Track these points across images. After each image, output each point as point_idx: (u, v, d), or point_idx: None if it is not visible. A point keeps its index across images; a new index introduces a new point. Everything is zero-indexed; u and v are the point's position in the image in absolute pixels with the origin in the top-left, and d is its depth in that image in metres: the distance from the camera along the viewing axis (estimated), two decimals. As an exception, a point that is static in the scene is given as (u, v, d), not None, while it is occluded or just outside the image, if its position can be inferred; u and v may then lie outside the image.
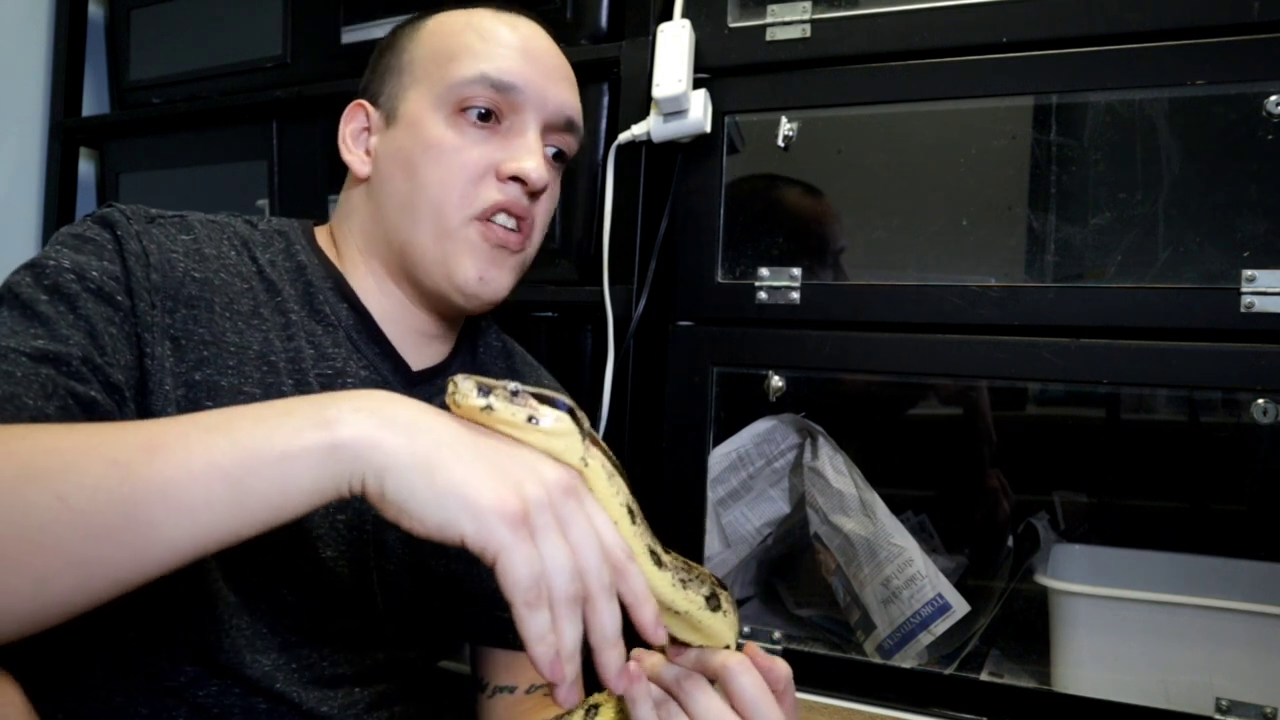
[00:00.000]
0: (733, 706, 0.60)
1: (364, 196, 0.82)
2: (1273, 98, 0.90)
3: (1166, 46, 0.93)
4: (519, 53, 0.80)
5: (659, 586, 0.60)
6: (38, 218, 1.73)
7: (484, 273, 0.78)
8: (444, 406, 0.81)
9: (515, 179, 0.78)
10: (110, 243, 0.69)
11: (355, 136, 0.84)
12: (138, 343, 0.68)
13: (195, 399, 0.69)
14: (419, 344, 0.83)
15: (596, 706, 0.68)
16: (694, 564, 0.64)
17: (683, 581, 0.61)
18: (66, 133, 1.71)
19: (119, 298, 0.67)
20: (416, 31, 0.83)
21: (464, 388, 0.54)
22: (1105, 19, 0.95)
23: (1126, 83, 0.96)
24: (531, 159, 0.78)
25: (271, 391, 0.73)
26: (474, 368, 0.89)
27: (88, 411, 0.62)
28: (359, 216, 0.83)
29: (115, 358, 0.66)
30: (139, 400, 0.67)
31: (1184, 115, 0.96)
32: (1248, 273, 0.90)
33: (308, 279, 0.80)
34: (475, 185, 0.78)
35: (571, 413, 0.57)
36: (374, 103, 0.83)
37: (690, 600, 0.61)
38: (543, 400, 0.56)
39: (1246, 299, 0.90)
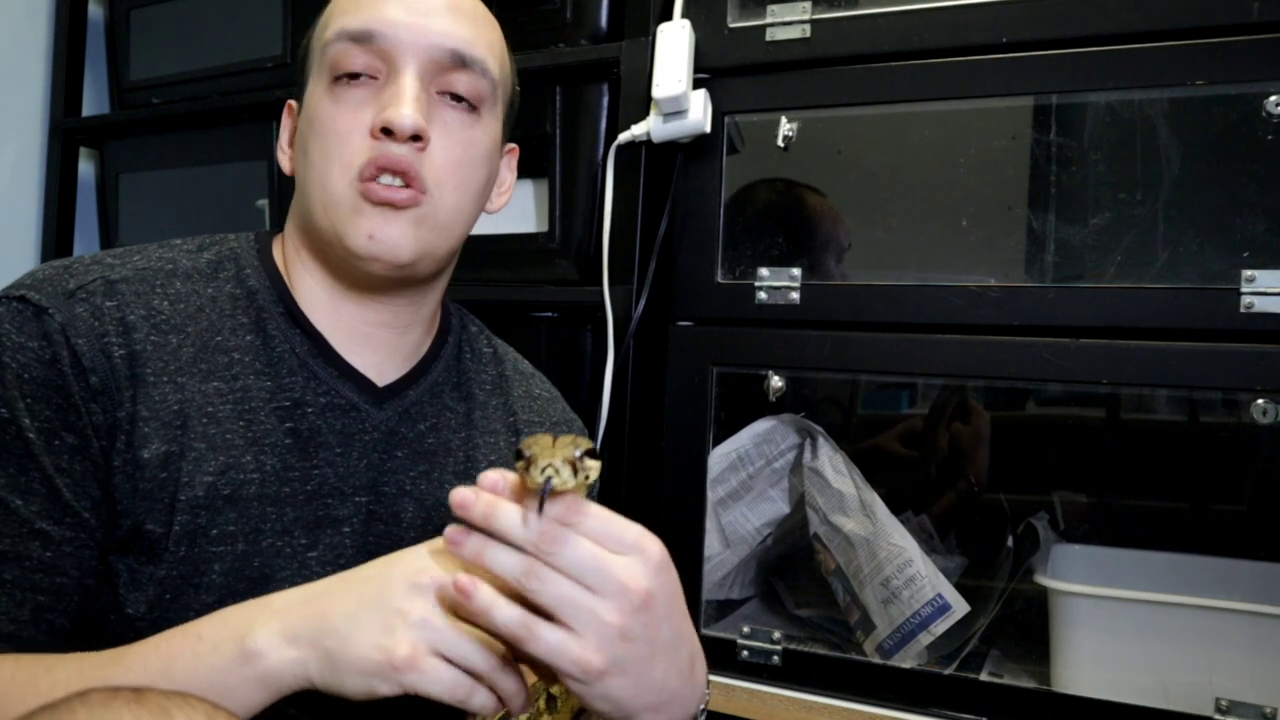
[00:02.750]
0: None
1: (294, 193, 0.80)
2: (1273, 98, 0.90)
3: (1166, 46, 0.93)
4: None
5: None
6: (38, 218, 1.73)
7: (373, 231, 0.72)
8: (415, 420, 0.80)
9: (387, 131, 0.71)
10: (41, 349, 0.67)
11: (289, 137, 0.81)
12: (93, 456, 0.68)
13: (153, 475, 0.69)
14: (379, 351, 0.80)
15: (554, 699, 0.69)
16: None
17: None
18: (66, 133, 1.71)
19: (68, 417, 0.67)
20: (317, 19, 0.79)
21: (564, 475, 0.54)
22: (1105, 19, 0.95)
23: (1126, 83, 0.96)
24: (398, 104, 0.71)
25: (214, 442, 0.71)
26: (457, 375, 0.86)
27: (58, 599, 0.67)
28: (293, 213, 0.80)
29: (79, 489, 0.67)
30: (110, 504, 0.69)
31: (1184, 115, 0.96)
32: (1248, 273, 0.90)
33: (259, 305, 0.76)
34: (351, 148, 0.72)
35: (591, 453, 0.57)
36: (298, 99, 0.80)
37: None
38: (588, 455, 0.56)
39: (1246, 299, 0.90)
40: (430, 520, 0.81)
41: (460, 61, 0.74)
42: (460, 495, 0.56)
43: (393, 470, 0.79)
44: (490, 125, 0.78)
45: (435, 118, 0.74)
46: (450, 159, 0.75)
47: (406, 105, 0.71)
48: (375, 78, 0.73)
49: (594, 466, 0.56)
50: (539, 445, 0.55)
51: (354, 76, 0.73)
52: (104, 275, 0.72)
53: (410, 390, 0.81)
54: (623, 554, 0.57)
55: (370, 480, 0.78)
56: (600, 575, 0.56)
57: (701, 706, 0.66)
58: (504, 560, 0.56)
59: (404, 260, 0.73)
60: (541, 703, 0.69)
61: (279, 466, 0.73)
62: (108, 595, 0.71)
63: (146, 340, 0.71)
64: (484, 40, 0.77)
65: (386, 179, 0.72)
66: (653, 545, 0.59)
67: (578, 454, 0.54)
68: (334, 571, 0.75)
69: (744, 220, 1.15)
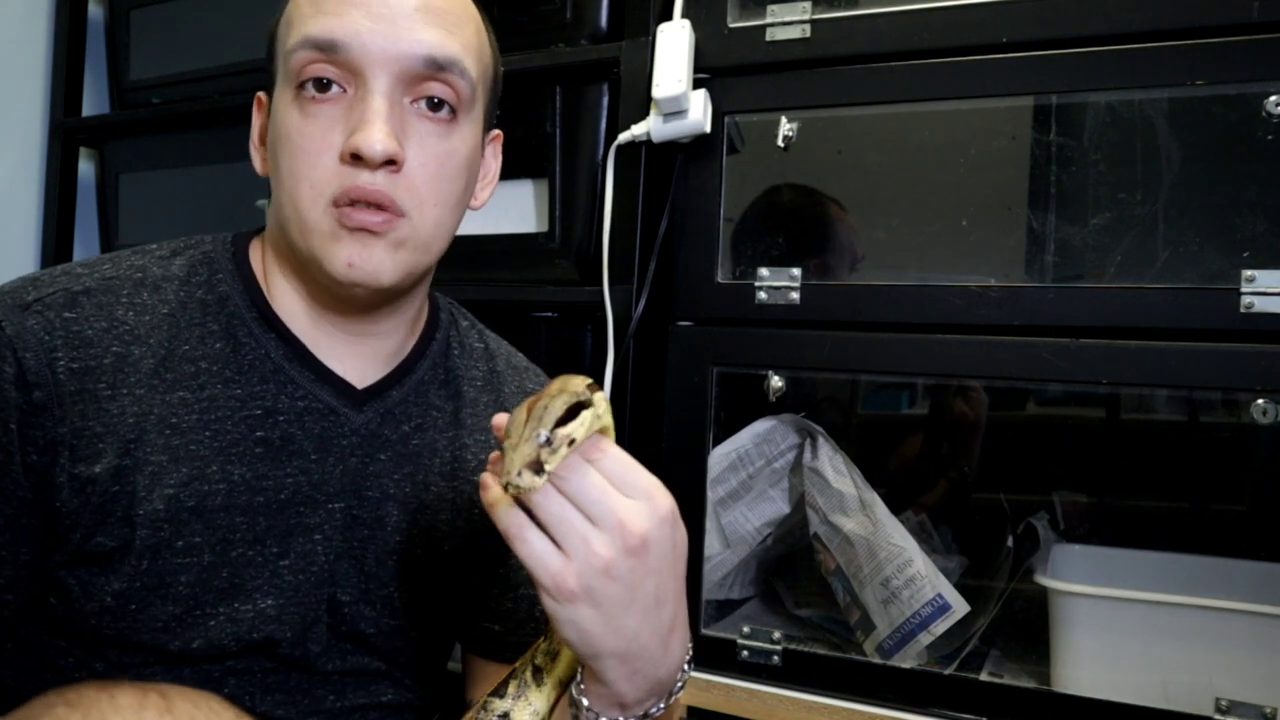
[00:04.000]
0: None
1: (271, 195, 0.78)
2: (1273, 98, 0.90)
3: (1166, 46, 0.93)
4: (353, 1, 0.69)
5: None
6: (38, 218, 1.74)
7: (351, 258, 0.69)
8: (399, 421, 0.79)
9: (357, 157, 0.68)
10: None
11: (260, 133, 0.77)
12: (13, 474, 0.67)
13: (104, 490, 0.68)
14: (359, 355, 0.78)
15: (554, 653, 0.69)
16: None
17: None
18: (66, 133, 1.72)
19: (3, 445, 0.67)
20: (282, 8, 0.75)
21: (525, 483, 0.56)
22: (1105, 19, 0.95)
23: (1126, 83, 0.96)
24: (367, 129, 0.67)
25: (177, 454, 0.70)
26: (445, 372, 0.84)
27: None
28: (271, 216, 0.77)
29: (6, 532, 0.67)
30: (56, 518, 0.68)
31: (1184, 115, 0.96)
32: (1248, 273, 0.90)
33: (230, 311, 0.75)
34: (322, 172, 0.69)
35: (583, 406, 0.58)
36: (268, 94, 0.76)
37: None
38: (564, 419, 0.57)
39: (1246, 299, 0.90)
40: (415, 524, 0.80)
41: (435, 67, 0.70)
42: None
43: (375, 474, 0.78)
44: (469, 128, 0.75)
45: (410, 132, 0.71)
46: (427, 176, 0.71)
47: (376, 131, 0.68)
48: (345, 89, 0.70)
49: (567, 434, 0.56)
50: (511, 437, 0.57)
51: (322, 87, 0.70)
52: (67, 287, 0.71)
53: (393, 391, 0.79)
54: (632, 498, 0.59)
55: (350, 485, 0.77)
56: (601, 508, 0.58)
57: (679, 683, 0.67)
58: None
59: (386, 285, 0.72)
60: (528, 674, 0.69)
61: (249, 476, 0.72)
62: (63, 608, 0.70)
63: (106, 352, 0.70)
64: (460, 38, 0.72)
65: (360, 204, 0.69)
66: (663, 498, 0.60)
67: (543, 438, 0.56)
68: (306, 579, 0.75)
69: (762, 222, 1.15)
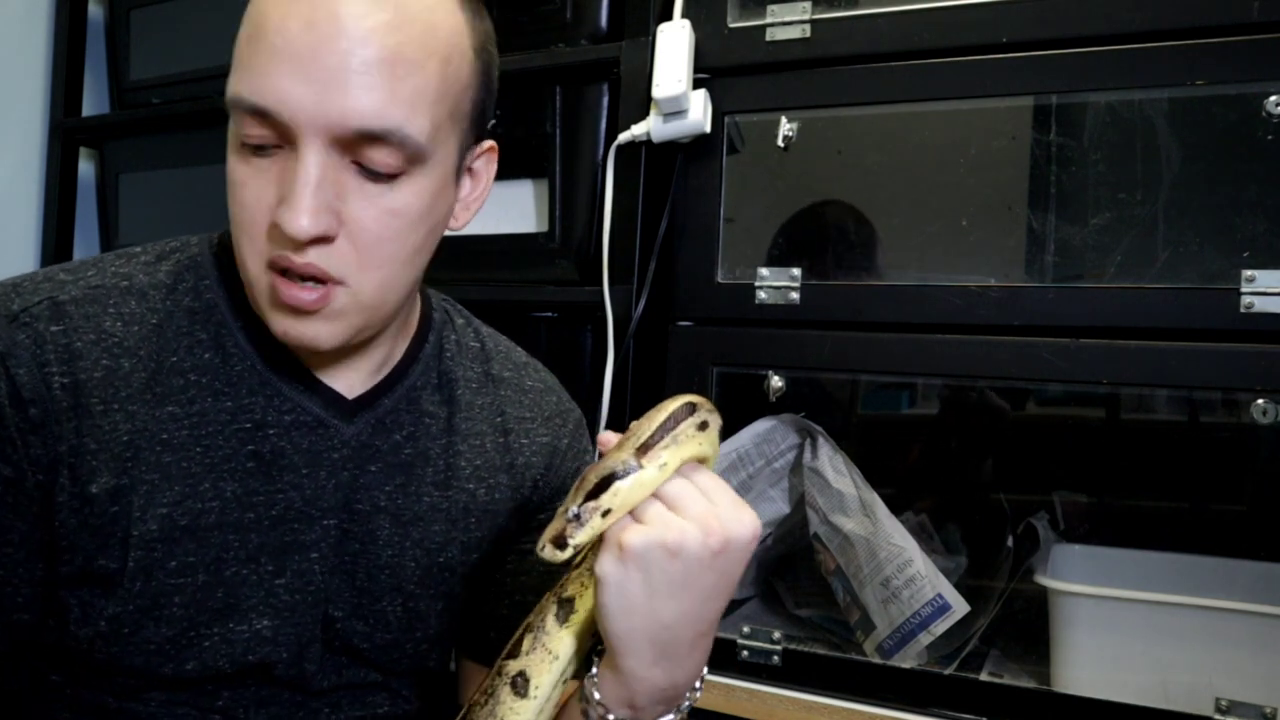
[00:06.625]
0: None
1: None
2: (1273, 98, 0.90)
3: (1166, 46, 0.93)
4: (284, 56, 0.63)
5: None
6: (38, 218, 1.74)
7: (287, 330, 0.66)
8: (390, 430, 0.78)
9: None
10: None
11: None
12: (27, 490, 0.66)
13: (103, 510, 0.66)
14: (347, 365, 0.74)
15: (571, 600, 0.68)
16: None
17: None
18: (66, 133, 1.71)
19: (3, 449, 0.65)
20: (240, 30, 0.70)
21: (548, 557, 0.61)
22: (1105, 19, 0.95)
23: (1126, 83, 0.96)
24: (292, 206, 0.62)
25: (169, 472, 0.68)
26: (439, 376, 0.81)
27: None
28: None
29: (5, 523, 0.65)
30: (55, 537, 0.67)
31: (1184, 115, 0.96)
32: (1248, 273, 0.90)
33: (219, 320, 0.72)
34: (258, 229, 0.65)
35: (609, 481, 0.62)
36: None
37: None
38: (595, 492, 0.61)
39: (1246, 299, 0.90)
40: (407, 536, 0.77)
41: (366, 138, 0.63)
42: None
43: (365, 487, 0.75)
44: (423, 178, 0.67)
45: (348, 190, 0.64)
46: (368, 240, 0.65)
47: (301, 210, 0.62)
48: (282, 145, 0.65)
49: (596, 507, 0.60)
50: (564, 502, 0.62)
51: (258, 150, 0.66)
52: (51, 296, 0.68)
53: (384, 399, 0.76)
54: (721, 507, 0.62)
55: (342, 500, 0.74)
56: (688, 502, 0.62)
57: (688, 700, 0.67)
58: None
59: (329, 349, 0.68)
60: (549, 618, 0.68)
61: (240, 492, 0.70)
62: (56, 632, 0.69)
63: (96, 366, 0.67)
64: (406, 91, 0.64)
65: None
66: (752, 516, 0.63)
67: (571, 514, 0.60)
68: (302, 599, 0.73)
69: (807, 233, 1.15)
